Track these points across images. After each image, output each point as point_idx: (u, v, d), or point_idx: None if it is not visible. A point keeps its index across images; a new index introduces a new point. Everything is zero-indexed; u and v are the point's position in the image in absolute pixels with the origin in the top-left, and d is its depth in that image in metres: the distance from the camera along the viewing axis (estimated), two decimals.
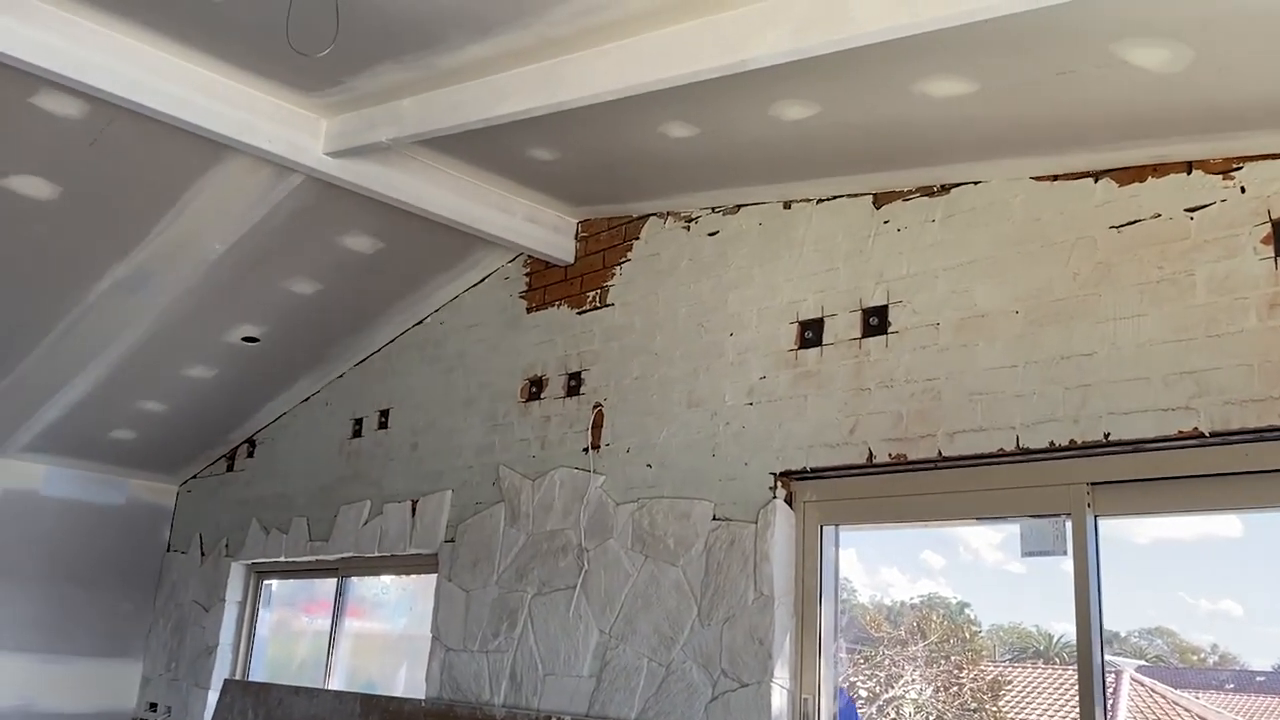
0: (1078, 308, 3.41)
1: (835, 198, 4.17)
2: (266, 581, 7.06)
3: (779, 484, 4.03)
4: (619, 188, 4.77)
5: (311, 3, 3.39)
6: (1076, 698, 3.28)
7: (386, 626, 6.45)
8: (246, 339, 6.03)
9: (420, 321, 6.06)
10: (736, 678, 3.90)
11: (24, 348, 5.90)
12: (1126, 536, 3.52)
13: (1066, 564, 3.40)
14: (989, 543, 4.43)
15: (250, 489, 7.09)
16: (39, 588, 7.20)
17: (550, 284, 5.33)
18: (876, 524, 3.94)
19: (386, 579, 6.33)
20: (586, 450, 4.82)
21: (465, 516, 5.33)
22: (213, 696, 6.71)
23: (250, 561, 6.96)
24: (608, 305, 4.99)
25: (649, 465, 4.52)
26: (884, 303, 3.90)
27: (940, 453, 3.61)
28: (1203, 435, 3.08)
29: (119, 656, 7.49)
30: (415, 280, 5.70)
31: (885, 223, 3.99)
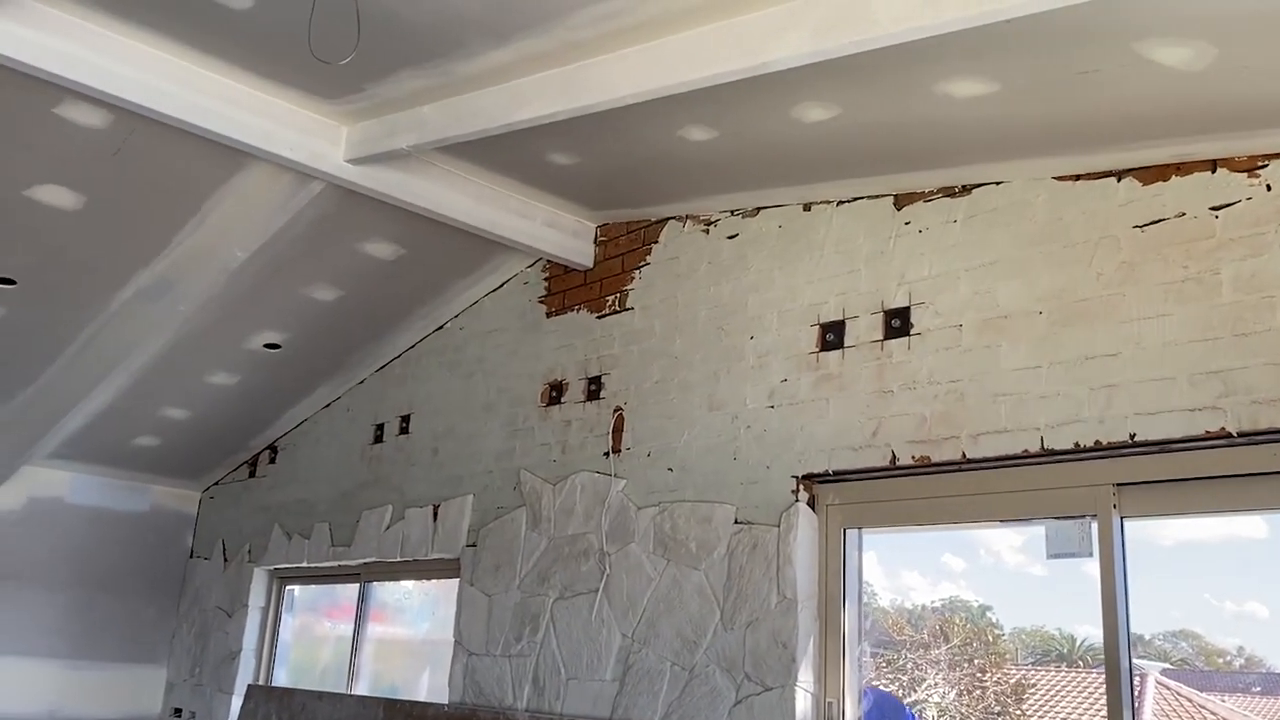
0: (1101, 308, 3.39)
1: (856, 199, 4.16)
2: (289, 587, 7.09)
3: (801, 487, 4.02)
4: (638, 191, 4.77)
5: (333, 11, 3.41)
6: (1101, 701, 3.26)
7: (409, 631, 6.46)
8: (268, 346, 6.07)
9: (440, 327, 6.08)
10: (760, 681, 3.89)
11: (48, 356, 5.95)
12: (1151, 538, 3.49)
13: (1089, 566, 3.38)
14: (1010, 545, 4.41)
15: (272, 495, 7.13)
16: (64, 594, 7.26)
17: (570, 288, 5.34)
18: (900, 527, 3.93)
19: (408, 584, 6.34)
20: (607, 454, 4.83)
21: (487, 521, 5.34)
22: (236, 702, 6.74)
23: (273, 567, 6.99)
24: (627, 309, 4.99)
25: (670, 469, 4.52)
26: (906, 304, 3.89)
27: (964, 455, 3.59)
28: (1230, 435, 3.05)
29: (143, 662, 7.54)
30: (435, 286, 5.73)
31: (907, 224, 3.98)
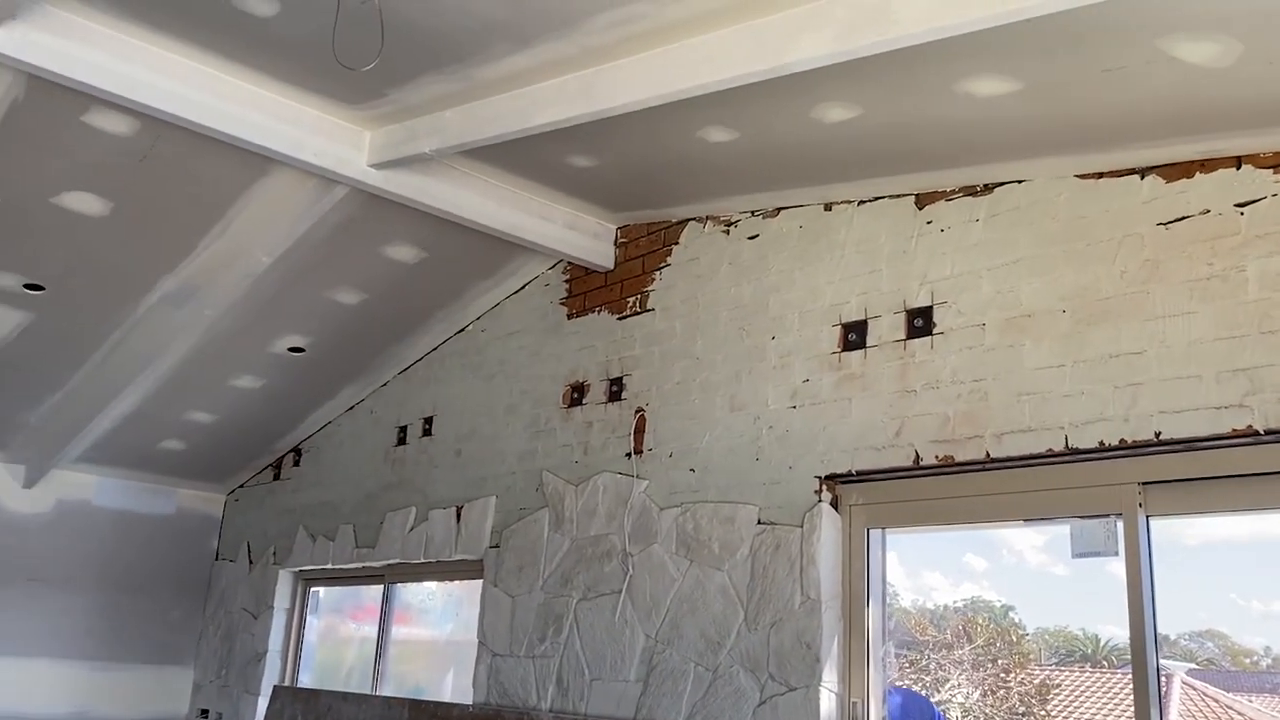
0: (1125, 306, 3.38)
1: (877, 199, 4.16)
2: (314, 588, 7.14)
3: (824, 487, 4.02)
4: (658, 193, 4.79)
5: (356, 18, 3.44)
6: (1126, 702, 3.25)
7: (433, 632, 6.50)
8: (292, 349, 6.12)
9: (462, 330, 6.11)
10: (784, 681, 3.90)
11: (76, 361, 6.02)
12: (1175, 537, 3.48)
13: (1113, 566, 3.37)
14: (1032, 545, 4.39)
15: (297, 497, 7.18)
16: (92, 597, 7.34)
17: (590, 290, 5.36)
18: (924, 527, 3.92)
19: (432, 585, 6.38)
20: (629, 455, 4.84)
21: (510, 522, 5.37)
22: (262, 703, 6.79)
23: (298, 569, 7.05)
24: (648, 310, 5.00)
25: (692, 470, 4.53)
26: (928, 303, 3.88)
27: (988, 454, 3.58)
28: (1257, 433, 3.04)
29: (170, 664, 7.61)
30: (456, 289, 5.76)
31: (928, 223, 3.97)
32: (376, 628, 6.36)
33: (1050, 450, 3.44)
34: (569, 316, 5.43)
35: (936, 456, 3.71)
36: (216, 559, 7.89)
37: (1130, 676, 3.25)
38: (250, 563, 7.44)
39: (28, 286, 5.30)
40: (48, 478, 7.22)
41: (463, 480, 5.77)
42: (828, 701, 3.80)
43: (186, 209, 4.83)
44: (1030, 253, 3.65)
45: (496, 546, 5.41)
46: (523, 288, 5.78)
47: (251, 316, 5.66)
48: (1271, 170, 3.16)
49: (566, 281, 5.51)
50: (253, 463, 7.56)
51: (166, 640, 7.62)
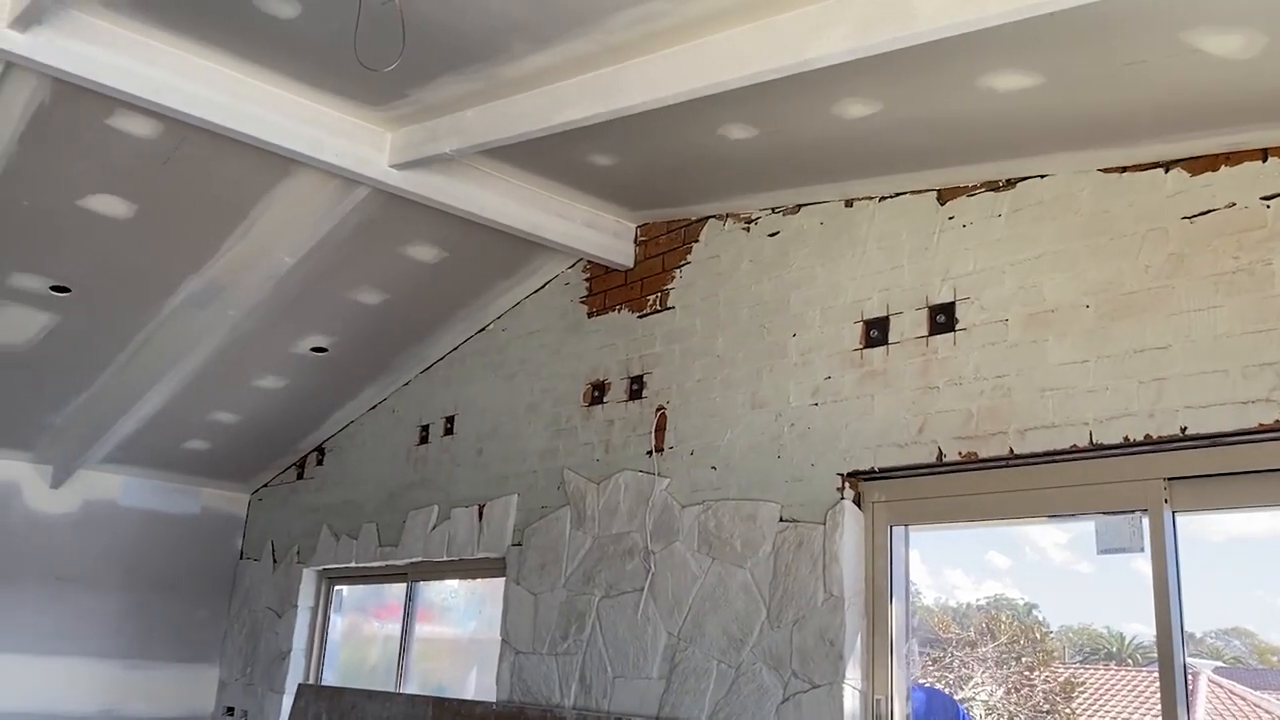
0: (1150, 300, 3.35)
1: (898, 195, 4.15)
2: (337, 587, 7.18)
3: (847, 484, 4.01)
4: (678, 191, 4.79)
5: (377, 19, 3.46)
6: (1152, 700, 3.22)
7: (456, 630, 6.52)
8: (315, 349, 6.15)
9: (483, 329, 6.13)
10: (808, 679, 3.89)
11: (102, 362, 6.08)
12: (1200, 534, 3.45)
13: (1138, 563, 3.34)
14: (1055, 542, 4.36)
15: (320, 496, 7.23)
16: (119, 596, 7.42)
17: (610, 288, 5.36)
18: (947, 523, 3.91)
19: (454, 583, 6.41)
20: (650, 453, 4.85)
21: (531, 520, 5.38)
22: (287, 700, 6.84)
23: (321, 568, 7.09)
24: (668, 308, 5.01)
25: (713, 467, 4.53)
26: (951, 299, 3.87)
27: (1012, 450, 3.57)
28: None
29: (196, 662, 7.68)
30: (477, 288, 5.78)
31: (950, 218, 3.96)
32: (400, 626, 6.39)
33: (1074, 446, 3.42)
34: (589, 315, 5.44)
35: (960, 453, 3.70)
36: (241, 558, 7.95)
37: (1156, 674, 3.23)
38: (274, 562, 7.50)
39: (54, 288, 5.35)
40: (74, 478, 7.29)
41: (484, 479, 5.79)
42: (851, 699, 3.79)
43: (210, 210, 4.87)
44: (1053, 248, 3.63)
45: (519, 544, 5.42)
46: (543, 287, 5.79)
47: (274, 317, 5.70)
48: None
49: (587, 280, 5.52)
50: (276, 462, 7.61)
51: (192, 639, 7.68)
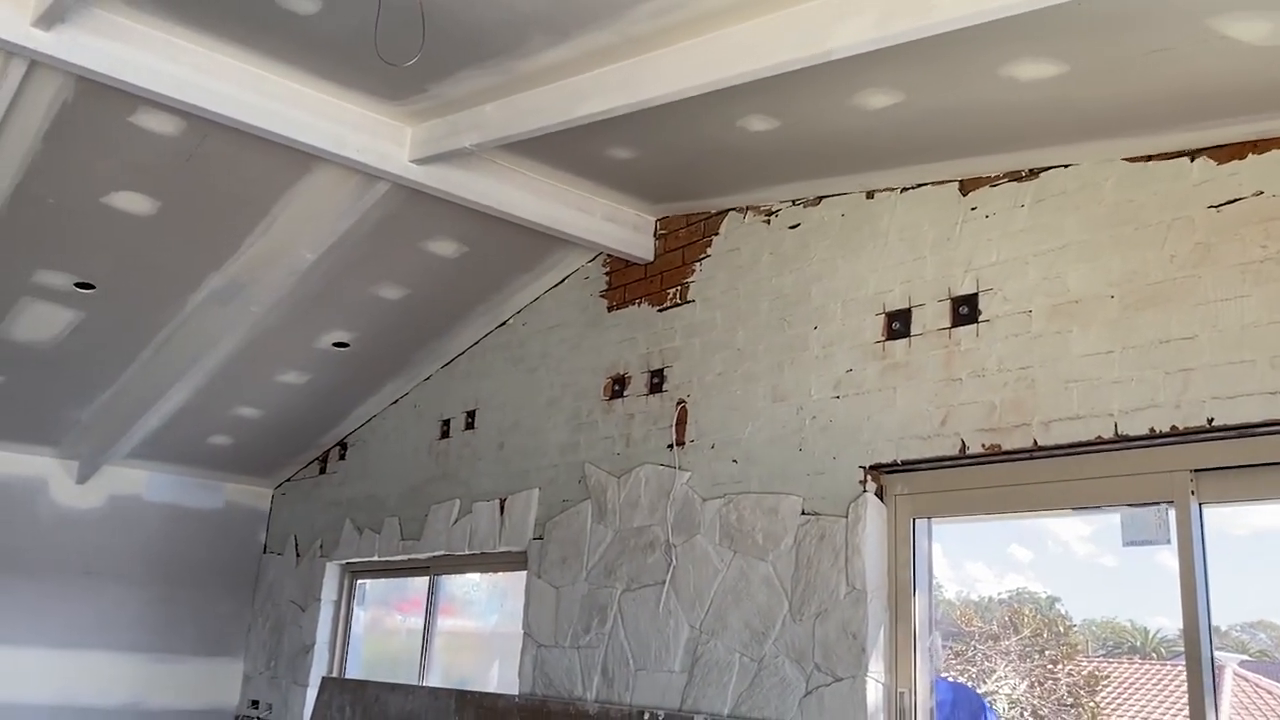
0: (1176, 290, 3.32)
1: (920, 185, 4.12)
2: (360, 581, 7.22)
3: (869, 477, 4.00)
4: (698, 184, 4.78)
5: (395, 13, 3.47)
6: (1177, 694, 3.20)
7: (478, 623, 6.55)
8: (337, 344, 6.18)
9: (503, 323, 6.14)
10: (830, 672, 3.89)
11: (126, 358, 6.13)
12: (1226, 527, 3.42)
13: (1163, 556, 3.32)
14: (1079, 535, 4.33)
15: (343, 490, 7.27)
16: (145, 590, 7.49)
17: (630, 282, 5.36)
18: (971, 516, 3.89)
19: (477, 577, 6.43)
20: (671, 447, 4.84)
21: (553, 514, 5.39)
22: (311, 693, 6.89)
23: (344, 561, 7.13)
24: (688, 302, 5.00)
25: (734, 461, 4.52)
26: (973, 291, 3.84)
27: (1035, 442, 3.54)
28: None
29: (221, 655, 7.75)
30: (497, 283, 5.79)
31: (972, 209, 3.93)
32: (422, 619, 6.42)
33: (1099, 438, 3.40)
34: (609, 309, 5.44)
35: (983, 445, 3.68)
36: (265, 552, 8.01)
37: (1180, 668, 3.20)
38: (298, 556, 7.54)
39: (78, 285, 5.40)
40: (100, 473, 7.36)
41: (506, 473, 5.80)
42: (874, 692, 3.78)
43: (232, 207, 4.89)
44: (1077, 238, 3.60)
45: (540, 538, 5.43)
46: (563, 281, 5.79)
47: (296, 313, 5.73)
48: None
49: (606, 274, 5.52)
50: (299, 457, 7.66)
51: (217, 632, 7.75)
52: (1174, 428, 3.23)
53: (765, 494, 4.34)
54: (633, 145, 4.40)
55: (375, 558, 6.73)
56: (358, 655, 7.12)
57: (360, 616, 7.23)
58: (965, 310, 3.85)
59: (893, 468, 3.96)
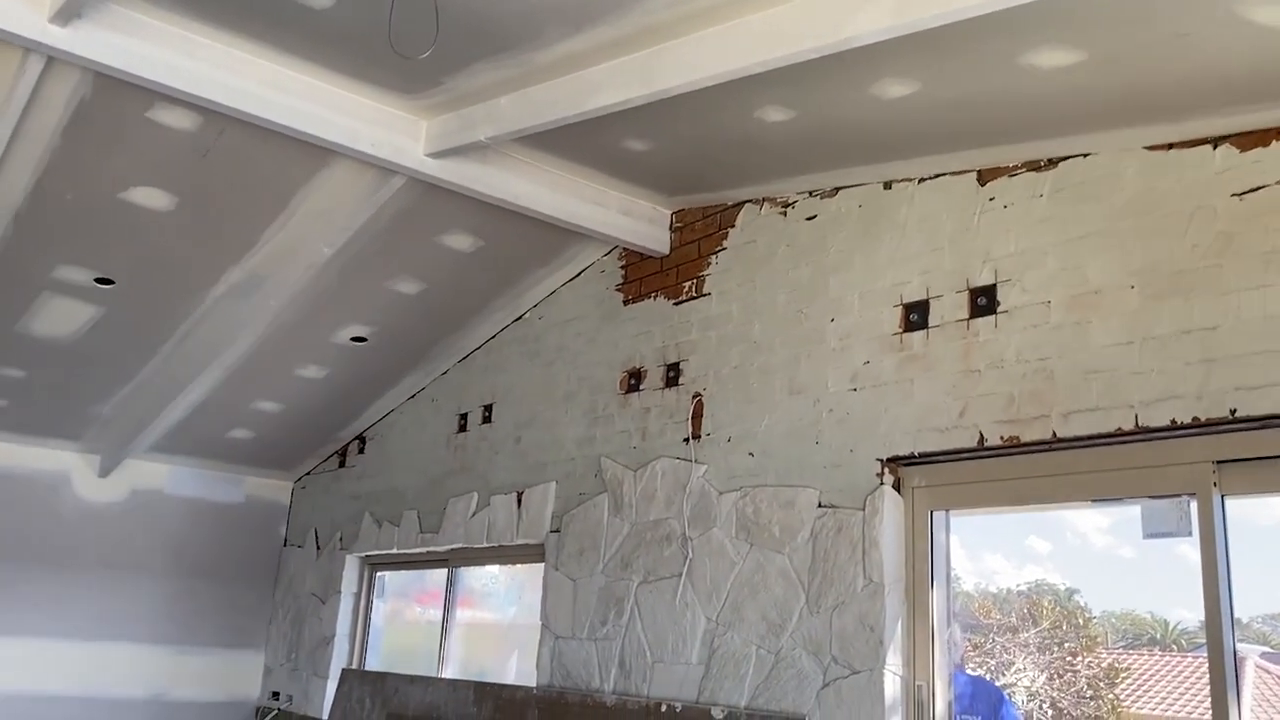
0: (1198, 280, 3.28)
1: (938, 176, 4.09)
2: (380, 573, 7.26)
3: (886, 470, 3.98)
4: (713, 176, 4.76)
5: (410, 7, 3.46)
6: (1197, 686, 3.18)
7: (496, 615, 6.57)
8: (355, 339, 6.20)
9: (519, 317, 6.15)
10: (848, 665, 3.87)
11: (146, 353, 6.17)
12: (1248, 518, 3.38)
13: (1182, 547, 3.29)
14: (1097, 527, 4.31)
15: (362, 484, 7.30)
16: (167, 583, 7.55)
17: (646, 275, 5.35)
18: (989, 508, 3.86)
19: (494, 569, 6.45)
20: (687, 440, 4.83)
21: (570, 507, 5.40)
22: (331, 685, 6.93)
23: (364, 554, 7.17)
24: (704, 295, 4.98)
25: (751, 454, 4.51)
26: (992, 281, 3.81)
27: (1055, 434, 3.51)
28: None
29: (242, 647, 7.80)
30: (513, 277, 5.79)
31: (991, 200, 3.90)
32: (441, 611, 6.45)
33: (1120, 429, 3.36)
34: (625, 303, 5.43)
35: (1002, 437, 3.65)
36: (285, 545, 8.06)
37: (1200, 660, 3.18)
38: (318, 548, 7.59)
39: (98, 280, 5.43)
40: (122, 467, 7.42)
41: (523, 466, 5.81)
42: (892, 685, 3.76)
43: (249, 202, 4.91)
44: (1097, 228, 3.57)
45: (557, 531, 5.44)
46: (579, 274, 5.79)
47: (314, 307, 5.75)
48: None
49: (622, 267, 5.51)
50: (319, 450, 7.70)
51: (238, 625, 7.80)
52: (1196, 419, 3.20)
53: (782, 487, 4.32)
54: (648, 137, 4.39)
55: (394, 550, 6.76)
56: (377, 647, 7.16)
57: (380, 609, 7.26)
58: (984, 301, 3.82)
59: (910, 460, 3.94)
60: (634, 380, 5.24)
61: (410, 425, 6.93)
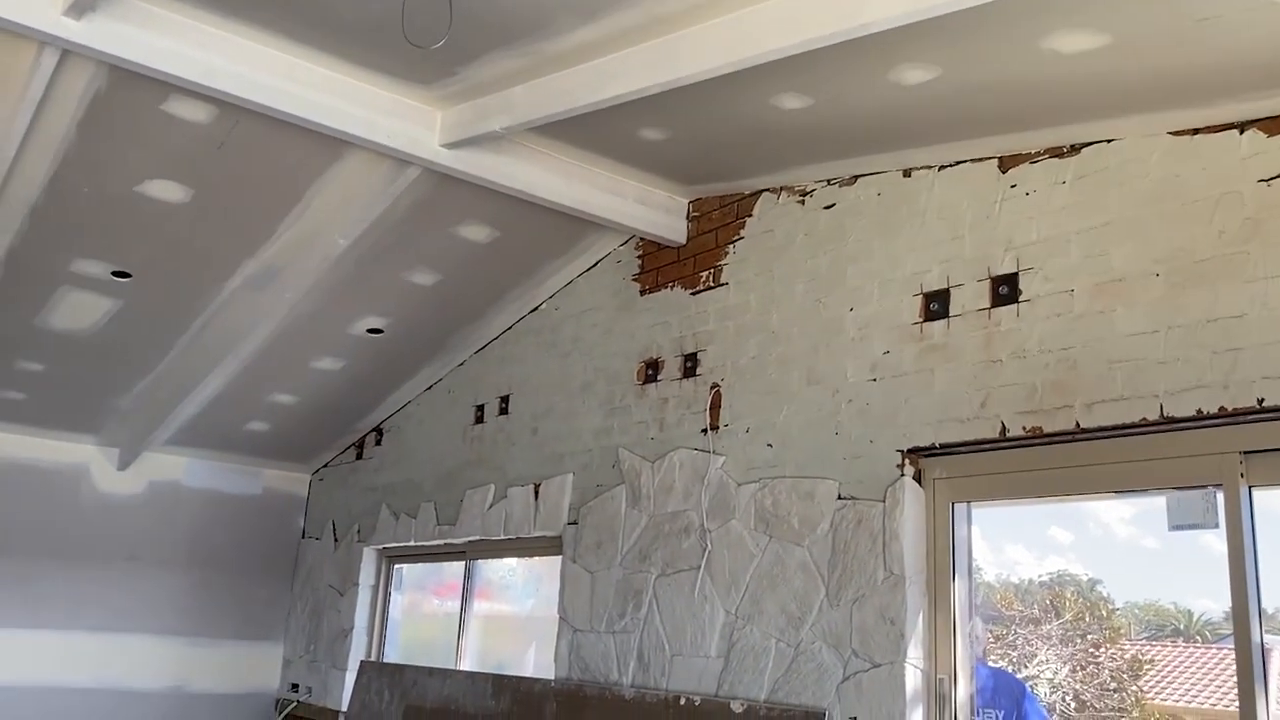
0: (1224, 267, 3.22)
1: (958, 163, 4.04)
2: (397, 565, 7.27)
3: (907, 461, 3.93)
4: (730, 164, 4.72)
5: None
6: (1222, 677, 3.14)
7: (514, 608, 6.57)
8: (371, 330, 6.20)
9: (536, 308, 6.13)
10: (868, 658, 3.84)
11: (163, 346, 6.18)
12: (1275, 509, 3.33)
13: (1207, 538, 3.24)
14: (1120, 518, 4.26)
15: (379, 476, 7.30)
16: (185, 575, 7.59)
17: (663, 265, 5.32)
18: (1011, 500, 3.82)
19: (512, 561, 6.44)
20: (705, 431, 4.81)
21: (587, 499, 5.38)
22: (349, 677, 6.95)
23: (381, 546, 7.18)
24: (722, 284, 4.95)
25: (769, 445, 4.47)
26: (1013, 270, 3.76)
27: (1078, 424, 3.46)
28: None
29: (261, 640, 7.84)
30: (529, 267, 5.77)
31: (1012, 187, 3.84)
32: (459, 604, 6.45)
33: (1144, 419, 3.31)
34: (642, 293, 5.40)
35: (1024, 428, 3.61)
36: (303, 537, 8.08)
37: (1225, 651, 3.14)
38: (335, 541, 7.60)
39: (115, 274, 5.44)
40: (140, 460, 7.46)
41: (540, 457, 5.80)
42: (913, 678, 3.73)
43: (264, 193, 4.90)
44: (1121, 215, 3.51)
45: (574, 523, 5.42)
46: (595, 265, 5.76)
47: (330, 299, 5.74)
48: None
49: (639, 257, 5.48)
50: (336, 443, 7.71)
51: (257, 617, 7.84)
52: (1222, 409, 3.14)
53: (801, 478, 4.29)
54: (664, 126, 4.35)
55: (412, 542, 6.77)
56: (395, 639, 7.18)
57: (398, 601, 7.28)
58: (1005, 290, 3.77)
59: (931, 451, 3.90)
60: (651, 371, 5.21)
61: (427, 417, 6.93)
